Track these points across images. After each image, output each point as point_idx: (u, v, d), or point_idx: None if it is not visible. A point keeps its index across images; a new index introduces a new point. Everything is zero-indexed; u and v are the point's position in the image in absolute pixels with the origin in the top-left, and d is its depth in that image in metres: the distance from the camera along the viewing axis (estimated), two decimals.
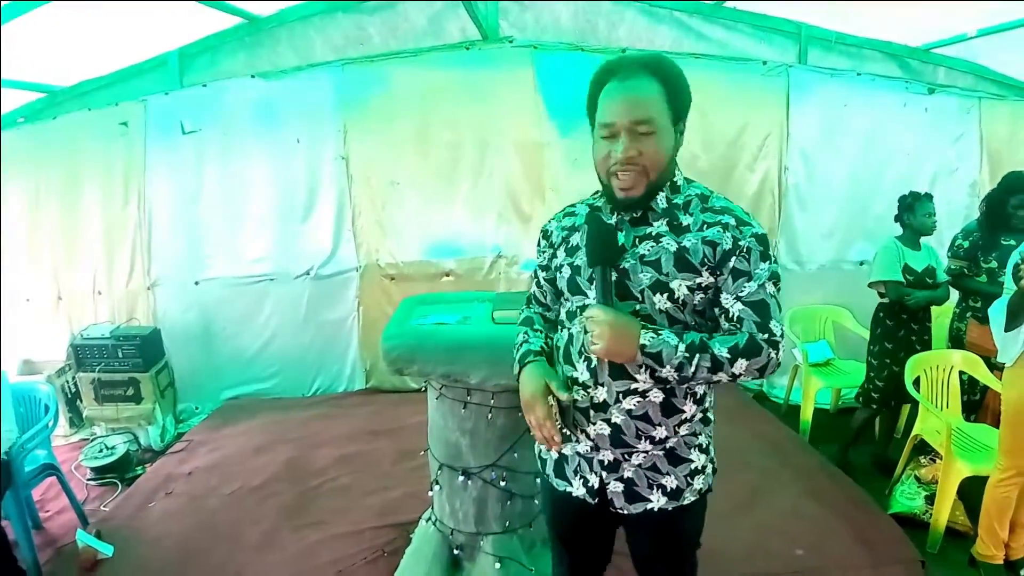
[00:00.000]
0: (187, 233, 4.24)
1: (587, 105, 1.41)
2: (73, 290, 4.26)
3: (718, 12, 4.40)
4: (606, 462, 1.43)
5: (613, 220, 1.41)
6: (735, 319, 1.33)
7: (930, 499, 2.97)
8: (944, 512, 2.81)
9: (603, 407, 1.39)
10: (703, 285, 1.34)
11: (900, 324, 3.29)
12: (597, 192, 1.49)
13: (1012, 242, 3.08)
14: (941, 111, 4.49)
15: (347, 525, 2.91)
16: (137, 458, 3.68)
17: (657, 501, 1.44)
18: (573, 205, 1.57)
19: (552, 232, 1.54)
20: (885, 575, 2.59)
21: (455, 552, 2.42)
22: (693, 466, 1.45)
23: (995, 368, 3.05)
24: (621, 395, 1.37)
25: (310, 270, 4.33)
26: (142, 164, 4.15)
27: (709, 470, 1.50)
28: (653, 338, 1.29)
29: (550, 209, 4.22)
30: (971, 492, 2.85)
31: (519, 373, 1.49)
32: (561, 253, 1.48)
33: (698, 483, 1.47)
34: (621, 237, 1.38)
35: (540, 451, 1.59)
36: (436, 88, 4.15)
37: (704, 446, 1.47)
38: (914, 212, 3.24)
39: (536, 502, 2.47)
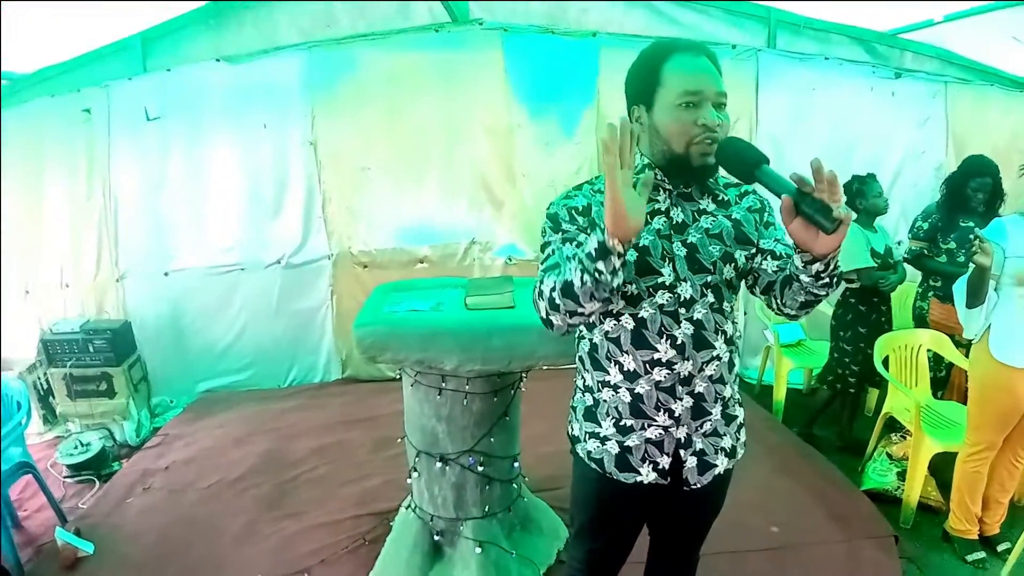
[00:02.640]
0: (154, 223, 4.15)
1: (639, 79, 1.39)
2: (40, 284, 4.16)
3: None
4: (681, 439, 1.45)
5: (666, 197, 1.42)
6: (781, 256, 1.42)
7: (902, 475, 3.05)
8: (915, 488, 2.89)
9: (688, 380, 1.42)
10: (754, 253, 1.45)
11: (871, 308, 3.35)
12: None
13: (971, 223, 3.17)
14: (908, 95, 4.55)
15: (327, 515, 2.90)
16: (113, 454, 3.63)
17: (722, 464, 1.51)
18: (591, 182, 1.48)
19: (592, 208, 1.40)
20: (859, 550, 2.65)
21: (435, 538, 2.43)
22: (739, 421, 1.55)
23: (961, 345, 3.14)
24: (704, 364, 1.42)
25: (281, 259, 4.27)
26: (106, 152, 4.05)
27: (745, 422, 1.59)
28: None
29: (521, 193, 4.23)
30: (942, 468, 2.93)
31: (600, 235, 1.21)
32: None
33: (743, 436, 1.57)
34: (678, 214, 1.42)
35: (590, 452, 1.51)
36: (405, 71, 4.11)
37: (740, 401, 1.58)
38: (865, 195, 3.28)
39: (514, 485, 2.50)
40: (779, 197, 1.20)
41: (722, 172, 1.38)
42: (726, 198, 1.47)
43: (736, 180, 1.39)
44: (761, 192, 1.38)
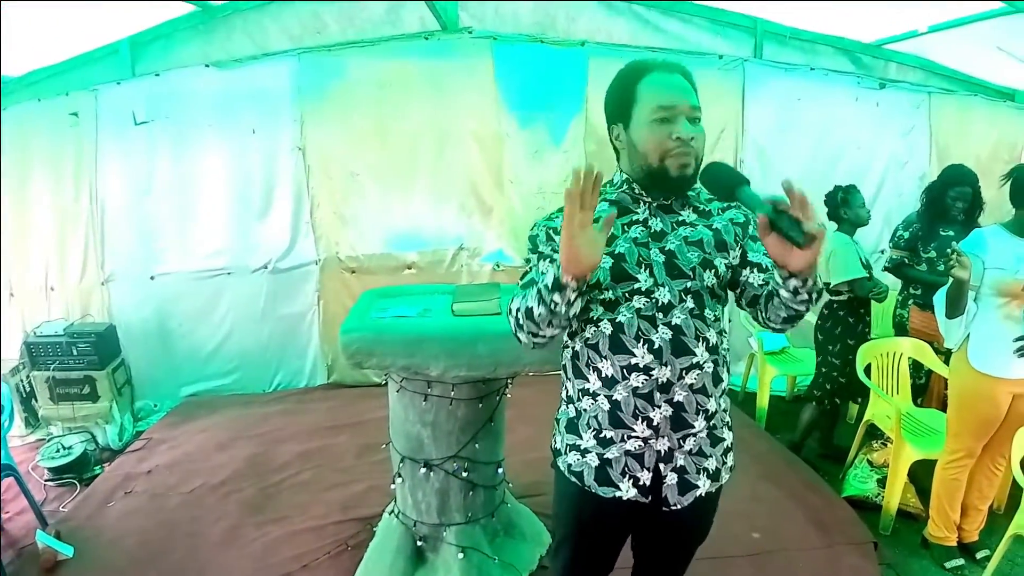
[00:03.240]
0: (141, 227, 4.14)
1: (616, 98, 1.45)
2: (25, 287, 4.14)
3: (675, 6, 4.44)
4: (662, 452, 1.44)
5: (645, 209, 1.46)
6: (767, 269, 1.46)
7: (882, 482, 3.07)
8: (895, 495, 2.91)
9: (667, 387, 1.41)
10: (734, 263, 1.48)
11: (858, 319, 3.33)
12: (605, 184, 1.48)
13: (951, 233, 3.20)
14: (892, 105, 4.62)
15: (310, 520, 2.89)
16: (95, 457, 3.61)
17: (704, 486, 1.49)
18: None
19: None
20: (839, 556, 2.67)
21: (418, 544, 2.43)
22: (726, 444, 1.54)
23: (941, 353, 3.17)
24: (684, 371, 1.41)
25: (268, 264, 4.27)
26: (93, 156, 4.04)
27: (733, 447, 1.58)
28: None
29: (510, 201, 4.24)
30: (922, 475, 2.96)
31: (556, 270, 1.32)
32: None
33: (730, 460, 1.56)
34: (656, 224, 1.45)
35: (571, 465, 1.52)
36: (395, 78, 4.12)
37: (730, 424, 1.57)
38: (850, 205, 3.26)
39: (497, 491, 2.50)
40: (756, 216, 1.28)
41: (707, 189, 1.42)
42: (708, 209, 1.50)
43: None
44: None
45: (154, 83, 4.02)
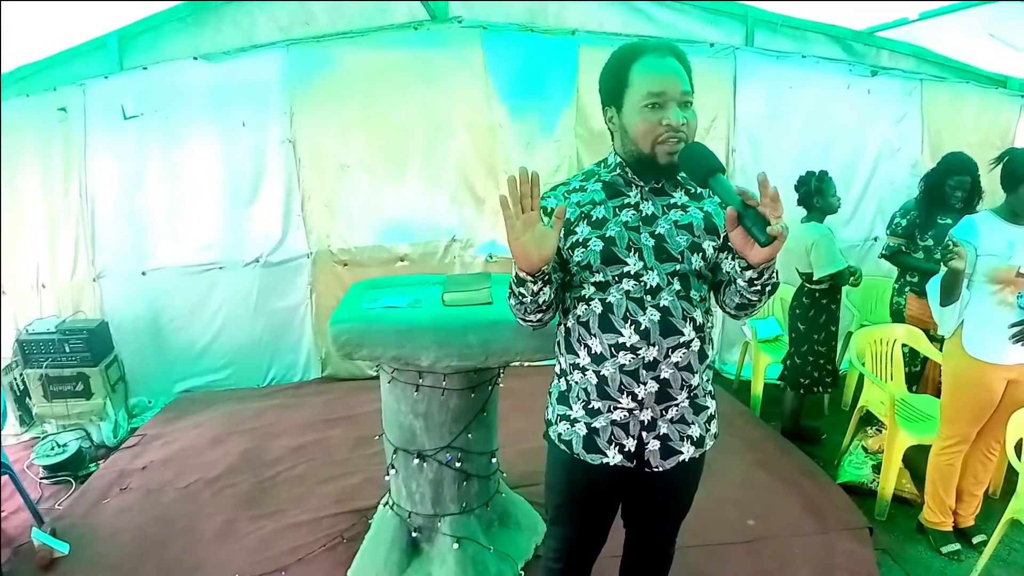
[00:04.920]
0: (132, 222, 4.11)
1: (609, 82, 1.47)
2: (16, 284, 4.11)
3: None
4: (646, 422, 1.51)
5: (637, 193, 1.48)
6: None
7: (877, 468, 3.08)
8: (890, 481, 2.92)
9: (653, 365, 1.46)
10: (722, 246, 1.48)
11: (837, 305, 3.39)
12: (594, 167, 1.58)
13: (948, 221, 3.19)
14: (884, 93, 4.61)
15: (305, 513, 2.89)
16: (90, 455, 3.60)
17: (687, 452, 1.55)
18: (567, 183, 1.59)
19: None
20: (834, 542, 2.68)
21: (413, 535, 2.43)
22: (709, 412, 1.59)
23: (935, 340, 3.17)
24: (671, 350, 1.46)
25: (260, 257, 4.25)
26: (83, 151, 4.00)
27: (717, 414, 1.63)
28: None
29: (503, 192, 4.21)
30: (917, 461, 2.97)
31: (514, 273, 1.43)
32: (583, 228, 1.48)
33: (713, 427, 1.61)
34: (648, 207, 1.48)
35: (560, 434, 1.60)
36: (384, 69, 4.10)
37: (713, 393, 1.62)
38: (823, 193, 3.28)
39: (492, 481, 2.50)
40: (725, 207, 1.30)
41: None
42: (700, 192, 1.52)
43: None
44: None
45: (142, 77, 3.98)
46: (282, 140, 4.14)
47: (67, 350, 3.74)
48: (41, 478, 3.36)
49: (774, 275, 1.38)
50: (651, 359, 1.46)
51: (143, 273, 4.15)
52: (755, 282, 1.36)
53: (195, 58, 3.98)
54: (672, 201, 1.49)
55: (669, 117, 1.37)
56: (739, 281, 1.39)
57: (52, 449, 3.47)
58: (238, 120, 4.08)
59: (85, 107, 3.98)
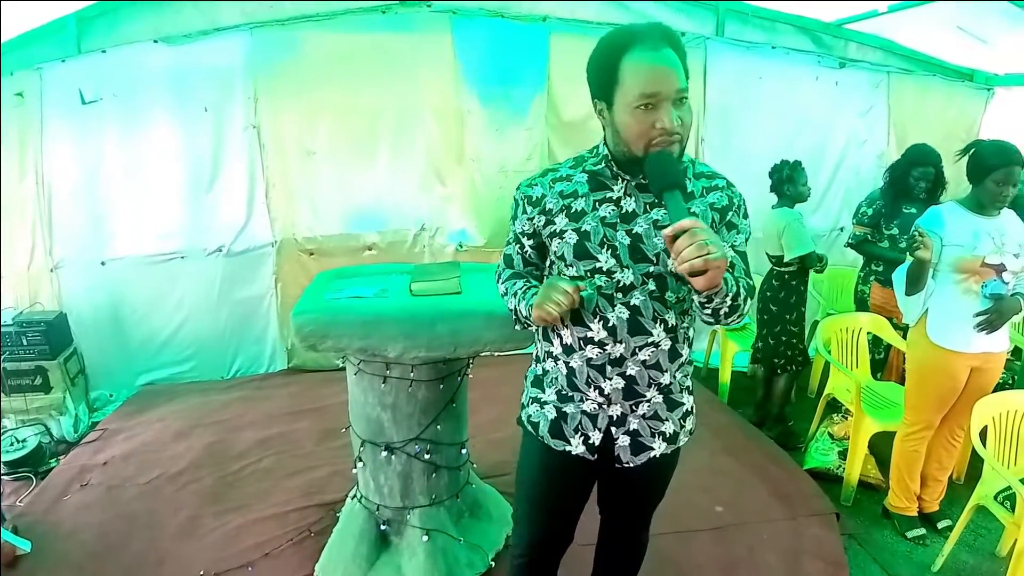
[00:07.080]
0: (90, 210, 3.97)
1: (597, 75, 1.36)
2: None
3: None
4: (615, 416, 1.50)
5: (621, 187, 1.43)
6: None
7: (843, 454, 3.13)
8: (856, 467, 2.97)
9: (619, 361, 1.45)
10: None
11: (806, 287, 3.44)
12: (587, 153, 1.51)
13: (913, 210, 3.25)
14: (851, 85, 4.67)
15: (271, 507, 2.85)
16: (50, 450, 3.50)
17: (659, 448, 1.54)
18: (556, 169, 1.53)
19: (545, 198, 1.48)
20: (802, 527, 2.72)
21: (382, 528, 2.40)
22: (685, 408, 1.57)
23: (899, 328, 3.23)
24: (638, 348, 1.45)
25: (223, 246, 4.14)
26: (39, 136, 3.85)
27: (694, 410, 1.62)
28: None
29: (472, 179, 4.18)
30: (882, 447, 3.02)
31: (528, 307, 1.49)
32: (561, 219, 1.45)
33: (689, 424, 1.60)
34: (629, 203, 1.43)
35: (530, 415, 1.61)
36: (351, 53, 4.01)
37: (690, 388, 1.60)
38: (794, 182, 3.32)
39: (461, 472, 2.48)
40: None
41: (700, 160, 1.40)
42: (691, 190, 1.44)
43: (709, 172, 1.45)
44: (736, 188, 1.46)
45: (101, 60, 3.84)
46: (246, 126, 4.04)
47: (24, 343, 3.63)
48: (0, 475, 3.25)
49: (727, 302, 1.31)
50: (617, 355, 1.45)
51: (103, 263, 4.02)
52: (705, 306, 1.32)
53: (156, 41, 3.84)
54: (656, 199, 1.41)
55: (663, 120, 1.28)
56: (696, 298, 1.34)
57: (11, 445, 3.37)
58: (200, 105, 3.96)
59: (42, 92, 3.82)
